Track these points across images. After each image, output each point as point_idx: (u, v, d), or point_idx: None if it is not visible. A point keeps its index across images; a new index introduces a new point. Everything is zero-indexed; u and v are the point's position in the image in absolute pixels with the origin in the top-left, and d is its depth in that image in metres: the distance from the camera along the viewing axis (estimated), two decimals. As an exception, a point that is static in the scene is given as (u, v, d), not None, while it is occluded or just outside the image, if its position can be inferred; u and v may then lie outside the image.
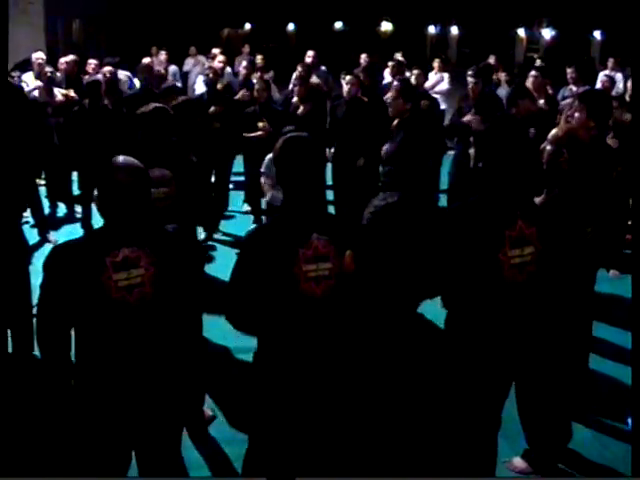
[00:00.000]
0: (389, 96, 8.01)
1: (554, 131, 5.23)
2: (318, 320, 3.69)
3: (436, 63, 14.95)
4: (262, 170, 8.55)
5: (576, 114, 6.00)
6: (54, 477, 2.83)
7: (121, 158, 3.62)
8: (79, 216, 10.37)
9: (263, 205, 9.40)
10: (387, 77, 14.65)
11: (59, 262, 3.51)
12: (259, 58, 15.23)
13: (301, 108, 10.14)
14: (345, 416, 2.41)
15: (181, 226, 5.39)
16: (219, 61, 13.39)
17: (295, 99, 10.38)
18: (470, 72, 9.68)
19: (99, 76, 12.27)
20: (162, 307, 3.60)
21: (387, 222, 2.28)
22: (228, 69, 15.40)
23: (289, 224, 3.74)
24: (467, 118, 9.26)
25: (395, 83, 8.12)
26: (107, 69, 10.95)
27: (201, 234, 9.78)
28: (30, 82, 11.40)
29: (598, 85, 12.03)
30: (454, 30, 49.93)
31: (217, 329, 6.97)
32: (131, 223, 3.56)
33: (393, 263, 2.28)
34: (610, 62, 15.40)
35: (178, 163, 5.40)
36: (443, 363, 2.42)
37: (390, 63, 14.02)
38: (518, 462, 5.15)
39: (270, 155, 8.47)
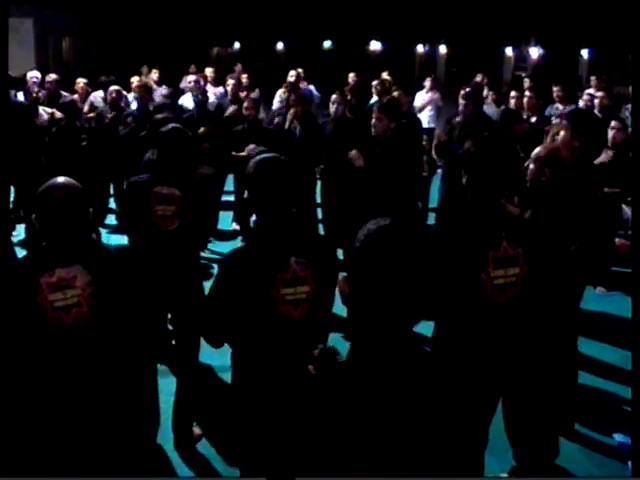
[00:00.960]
0: (373, 115, 8.03)
1: (537, 149, 5.27)
2: (295, 342, 3.70)
3: (427, 82, 14.93)
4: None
5: (561, 132, 6.05)
6: (55, 477, 2.84)
7: (60, 178, 3.57)
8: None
9: (252, 224, 9.45)
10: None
11: None
12: (244, 77, 15.28)
13: (297, 128, 10.15)
14: (326, 439, 2.43)
15: (187, 245, 5.45)
16: (209, 79, 13.52)
17: (289, 117, 10.35)
18: (462, 94, 9.75)
19: (75, 96, 12.35)
20: (102, 328, 3.53)
21: (380, 245, 2.30)
22: (220, 89, 15.46)
23: (267, 247, 3.70)
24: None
25: (379, 103, 8.15)
26: (113, 88, 11.01)
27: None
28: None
29: (580, 104, 12.10)
30: (442, 49, 50.17)
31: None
32: (66, 242, 3.49)
33: (387, 287, 2.31)
34: (593, 81, 15.42)
35: (188, 182, 5.42)
36: (431, 383, 2.44)
37: (375, 82, 14.08)
38: (506, 479, 5.17)
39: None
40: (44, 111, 10.90)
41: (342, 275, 2.46)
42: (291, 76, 14.27)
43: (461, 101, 9.71)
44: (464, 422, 2.54)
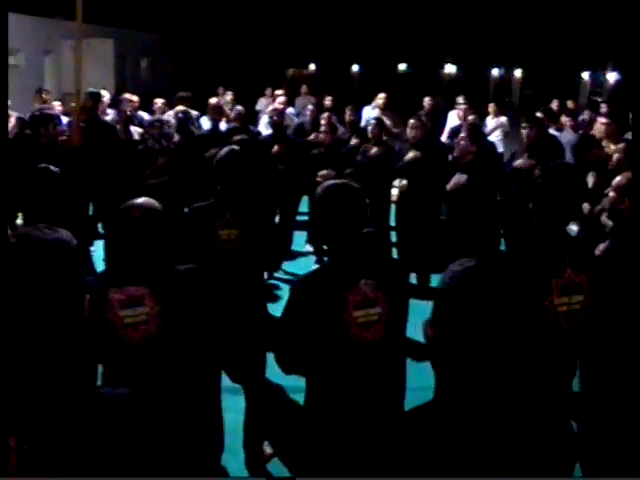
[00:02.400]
0: (460, 136, 8.07)
1: (618, 178, 5.22)
2: (369, 365, 3.70)
3: (491, 108, 14.94)
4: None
5: None
6: (63, 477, 2.87)
7: (140, 199, 3.68)
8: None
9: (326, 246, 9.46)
10: (451, 119, 14.70)
11: None
12: (328, 99, 15.29)
13: (374, 150, 10.19)
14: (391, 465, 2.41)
15: (251, 267, 5.51)
16: (279, 102, 13.59)
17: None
18: (524, 118, 9.67)
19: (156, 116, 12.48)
20: (169, 346, 3.61)
21: (466, 288, 2.28)
22: (290, 109, 15.56)
23: (337, 270, 3.73)
24: (518, 162, 9.22)
25: (467, 125, 8.21)
26: (179, 108, 11.14)
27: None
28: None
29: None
30: (517, 73, 49.88)
31: (273, 367, 7.04)
32: (139, 261, 3.60)
33: (474, 330, 2.29)
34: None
35: (249, 205, 5.51)
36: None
37: (460, 107, 14.09)
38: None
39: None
40: (135, 130, 11.08)
41: (427, 319, 2.43)
42: (380, 98, 14.24)
43: (523, 124, 9.61)
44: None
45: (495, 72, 50.73)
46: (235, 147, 5.79)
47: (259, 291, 5.70)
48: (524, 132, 9.52)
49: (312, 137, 11.36)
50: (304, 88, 18.66)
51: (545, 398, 4.04)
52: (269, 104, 16.73)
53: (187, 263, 3.87)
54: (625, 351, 4.77)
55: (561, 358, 4.12)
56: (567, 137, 12.69)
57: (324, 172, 9.85)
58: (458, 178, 8.17)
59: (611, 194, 5.15)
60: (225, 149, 5.66)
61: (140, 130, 10.97)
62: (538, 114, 10.02)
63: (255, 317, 5.53)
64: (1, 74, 3.26)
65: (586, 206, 8.59)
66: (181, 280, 3.75)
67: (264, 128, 13.03)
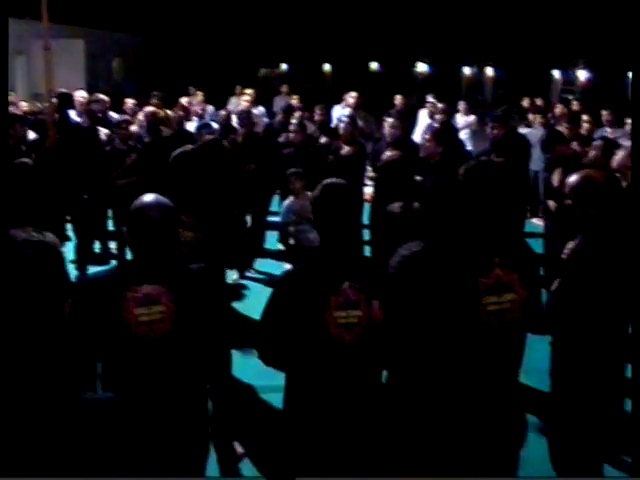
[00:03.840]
0: (425, 137, 8.09)
1: (570, 179, 5.11)
2: (346, 366, 3.73)
3: (461, 106, 15.11)
4: (280, 219, 8.75)
5: (619, 153, 6.05)
6: (56, 477, 2.86)
7: (152, 195, 3.72)
8: (114, 252, 10.53)
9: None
10: (422, 118, 14.78)
11: (81, 296, 3.60)
12: (295, 98, 15.36)
13: (345, 149, 10.19)
14: (370, 461, 2.42)
15: (208, 266, 5.48)
16: (244, 100, 13.61)
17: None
18: (490, 117, 9.75)
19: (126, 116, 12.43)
20: (183, 344, 3.66)
21: (413, 271, 2.31)
22: (261, 109, 15.60)
23: (322, 270, 3.76)
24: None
25: (433, 125, 8.24)
26: (148, 109, 11.11)
27: (234, 274, 9.92)
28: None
29: (627, 127, 12.07)
30: (489, 71, 50.06)
31: (243, 367, 7.04)
32: (155, 260, 3.64)
33: (419, 311, 2.31)
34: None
35: (206, 207, 5.45)
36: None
37: (428, 104, 14.19)
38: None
39: (286, 202, 8.64)
40: (102, 131, 11.05)
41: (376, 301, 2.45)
42: (351, 97, 14.34)
43: (490, 123, 9.66)
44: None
45: (467, 70, 50.86)
46: (188, 148, 5.73)
47: (220, 292, 5.63)
48: (490, 131, 9.59)
49: (282, 138, 11.35)
50: (284, 88, 18.65)
51: (485, 390, 4.04)
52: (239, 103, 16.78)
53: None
54: (599, 342, 4.82)
55: (497, 354, 4.10)
56: (537, 134, 12.81)
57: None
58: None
59: (568, 201, 5.02)
60: (178, 150, 5.61)
61: (107, 131, 10.94)
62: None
63: (218, 317, 5.49)
64: (1, 74, 3.25)
65: (552, 203, 8.66)
66: (195, 279, 3.80)
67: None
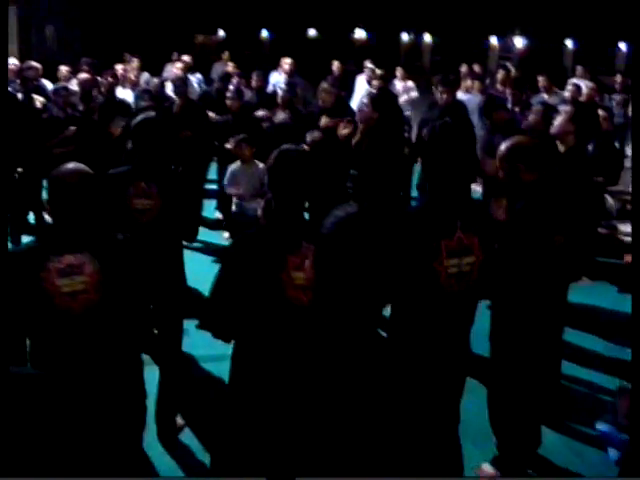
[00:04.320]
0: (362, 103, 8.09)
1: (501, 148, 5.13)
2: (304, 328, 3.70)
3: (399, 72, 15.12)
4: (225, 183, 8.64)
5: (558, 118, 6.09)
6: (54, 477, 2.79)
7: (71, 164, 3.63)
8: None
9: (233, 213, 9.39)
10: (359, 84, 14.75)
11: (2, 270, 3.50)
12: (231, 65, 15.24)
13: (282, 115, 10.11)
14: (323, 422, 2.41)
15: (168, 238, 5.39)
16: (177, 67, 13.46)
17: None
18: (438, 81, 9.69)
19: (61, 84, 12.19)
20: (110, 315, 3.58)
21: (346, 233, 2.27)
22: (198, 76, 15.46)
23: (279, 232, 3.74)
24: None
25: (370, 91, 8.23)
26: (82, 76, 10.88)
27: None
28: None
29: (566, 94, 12.15)
30: (427, 38, 50.10)
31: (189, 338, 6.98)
32: (76, 228, 3.55)
33: (351, 273, 2.28)
34: (579, 70, 15.56)
35: (163, 175, 5.36)
36: (387, 366, 2.41)
37: (369, 71, 14.19)
38: (487, 468, 5.17)
39: (232, 167, 8.55)
40: (37, 99, 10.80)
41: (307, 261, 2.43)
42: (286, 64, 14.27)
43: (439, 88, 9.63)
44: (425, 403, 2.53)
45: (405, 37, 50.83)
46: (151, 114, 5.63)
47: (178, 263, 5.57)
48: (439, 96, 9.56)
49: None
50: (226, 54, 18.42)
51: (437, 353, 4.07)
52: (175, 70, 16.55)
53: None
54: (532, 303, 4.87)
55: (455, 317, 4.15)
56: (475, 100, 12.87)
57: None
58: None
59: (500, 172, 5.05)
60: (141, 115, 5.50)
61: (42, 99, 10.70)
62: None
63: (173, 290, 5.43)
64: (1, 73, 3.17)
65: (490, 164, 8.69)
66: (121, 248, 3.72)
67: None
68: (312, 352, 2.75)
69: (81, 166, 3.64)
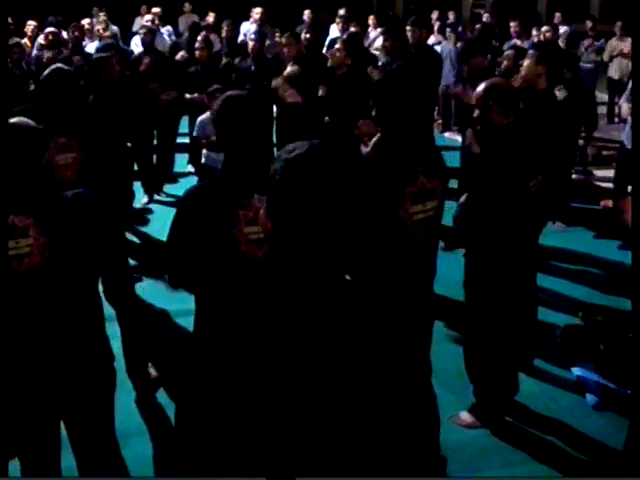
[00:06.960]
0: (335, 47, 8.04)
1: (478, 89, 5.08)
2: (259, 283, 3.60)
3: (371, 20, 15.11)
4: (194, 134, 8.51)
5: (526, 61, 6.03)
6: (53, 478, 2.74)
7: (15, 118, 3.43)
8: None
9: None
10: (332, 33, 14.60)
11: None
12: (211, 16, 15.19)
13: (252, 66, 9.98)
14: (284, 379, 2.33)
15: (95, 191, 5.21)
16: (147, 20, 13.30)
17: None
18: (409, 22, 9.51)
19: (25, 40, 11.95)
20: (57, 277, 3.39)
21: (295, 176, 2.12)
22: (168, 28, 15.31)
23: (230, 185, 3.58)
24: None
25: (344, 36, 8.20)
26: (48, 30, 10.69)
27: (144, 198, 9.77)
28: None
29: (540, 37, 12.08)
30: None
31: (156, 292, 6.89)
32: (20, 188, 3.34)
33: (305, 219, 2.15)
34: (556, 17, 15.54)
35: (88, 127, 5.18)
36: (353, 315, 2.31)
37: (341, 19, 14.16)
38: (465, 416, 5.15)
39: (202, 117, 8.40)
40: None
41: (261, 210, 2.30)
42: (256, 13, 14.14)
43: (408, 28, 9.43)
44: (395, 352, 2.46)
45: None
46: (60, 65, 5.41)
47: (114, 217, 5.37)
48: (410, 35, 9.36)
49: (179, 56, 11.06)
50: (187, 6, 18.17)
51: (405, 301, 4.00)
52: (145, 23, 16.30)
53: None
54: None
55: (421, 264, 4.10)
56: (447, 48, 12.77)
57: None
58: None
59: (476, 111, 5.01)
60: (50, 67, 5.28)
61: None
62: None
63: (115, 243, 5.30)
64: (1, 71, 3.04)
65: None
66: (68, 207, 3.47)
67: (135, 47, 12.77)
68: (269, 308, 2.65)
69: (25, 120, 3.45)
